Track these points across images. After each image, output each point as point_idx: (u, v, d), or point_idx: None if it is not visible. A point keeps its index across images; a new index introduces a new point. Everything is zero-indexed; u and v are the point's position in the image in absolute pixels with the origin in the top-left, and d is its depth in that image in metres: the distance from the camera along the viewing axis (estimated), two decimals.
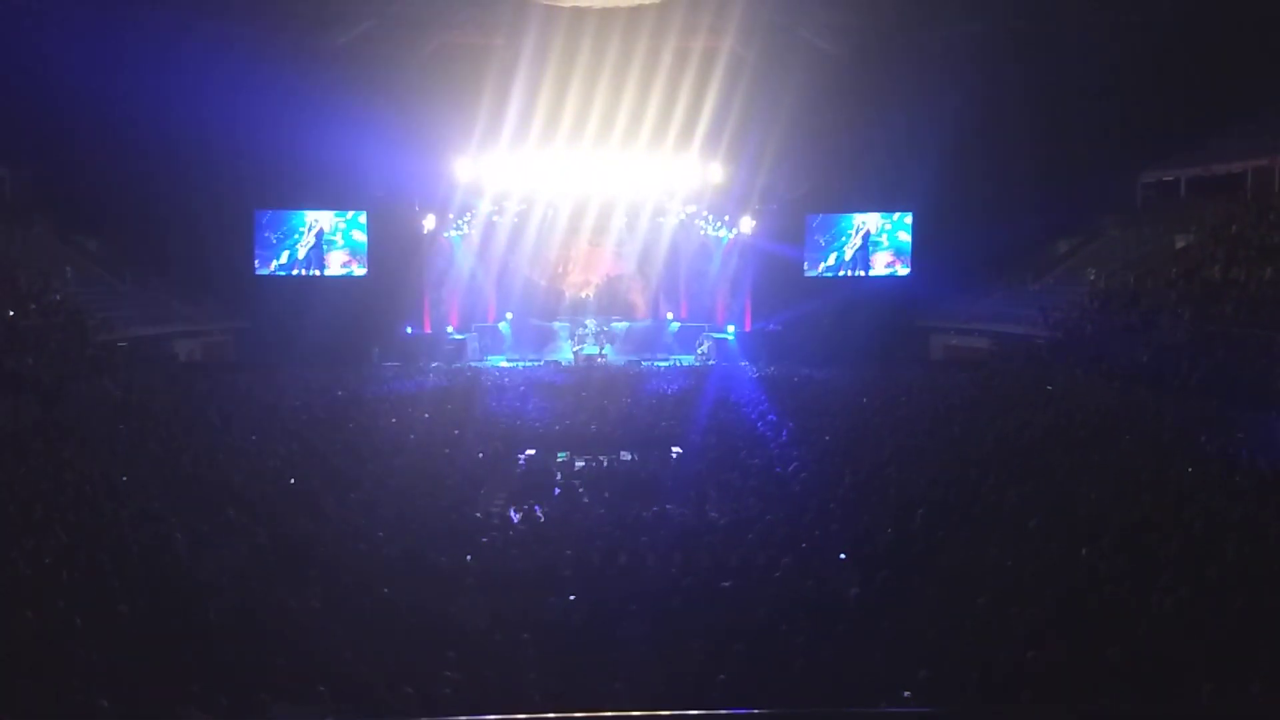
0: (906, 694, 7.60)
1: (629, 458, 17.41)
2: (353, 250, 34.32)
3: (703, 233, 34.44)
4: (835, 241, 35.06)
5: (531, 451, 17.95)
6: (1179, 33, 29.69)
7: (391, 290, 32.50)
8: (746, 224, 33.41)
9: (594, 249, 34.98)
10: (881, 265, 34.90)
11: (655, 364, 31.03)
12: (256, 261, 33.93)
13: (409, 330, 33.09)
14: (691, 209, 33.70)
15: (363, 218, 34.18)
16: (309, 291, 32.61)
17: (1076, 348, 26.13)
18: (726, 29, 31.92)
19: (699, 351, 33.13)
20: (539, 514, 13.41)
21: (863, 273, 34.81)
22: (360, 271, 34.19)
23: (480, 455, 17.14)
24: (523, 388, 24.99)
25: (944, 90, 30.66)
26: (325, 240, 34.25)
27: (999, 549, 10.84)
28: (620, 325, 34.23)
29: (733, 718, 6.57)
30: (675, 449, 17.83)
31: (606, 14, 31.14)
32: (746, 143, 31.42)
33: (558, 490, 15.08)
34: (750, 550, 11.13)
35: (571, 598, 9.81)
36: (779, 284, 33.35)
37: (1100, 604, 9.13)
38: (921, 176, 31.30)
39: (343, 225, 34.33)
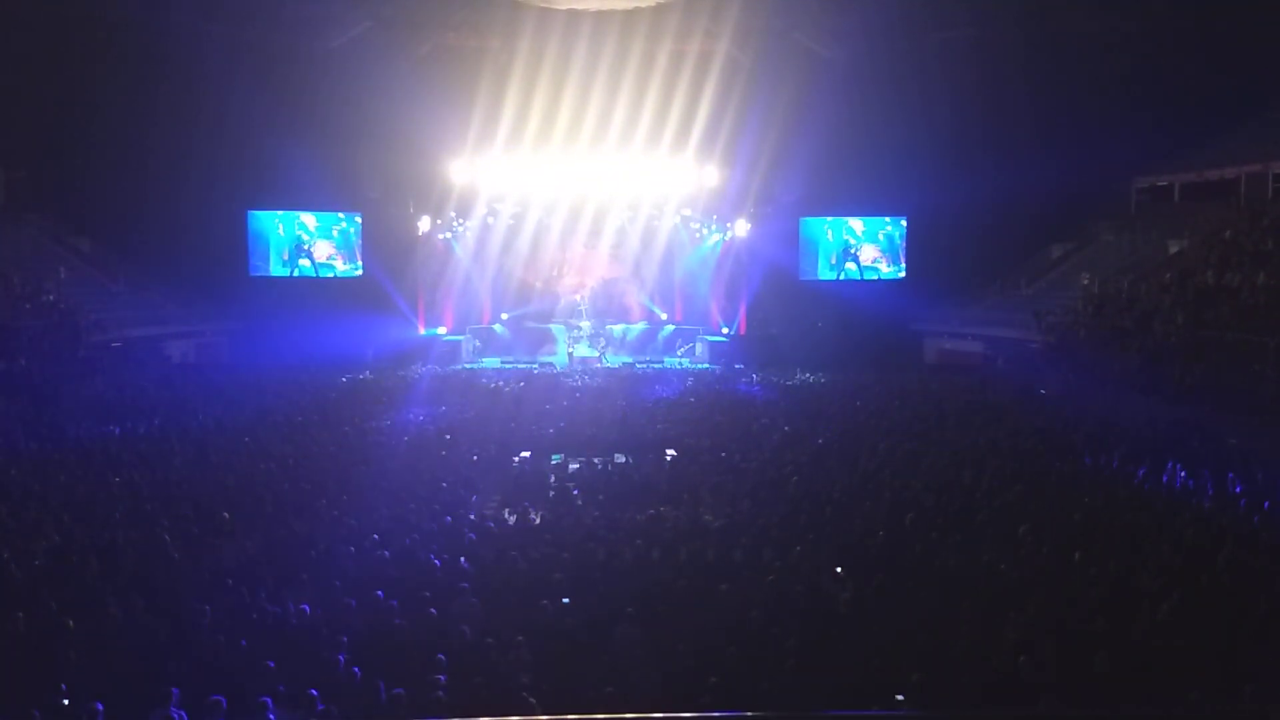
0: (899, 697, 7.60)
1: (624, 460, 17.41)
2: (346, 251, 34.31)
3: (698, 236, 34.46)
4: (830, 245, 35.08)
5: (526, 454, 17.92)
6: (1173, 39, 29.82)
7: (386, 292, 32.49)
8: (741, 227, 33.44)
9: (589, 251, 34.95)
10: (875, 269, 34.92)
11: (650, 366, 31.02)
12: (250, 263, 33.85)
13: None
14: (687, 212, 33.71)
15: (358, 219, 34.18)
16: (303, 293, 32.57)
17: (1070, 352, 26.22)
18: (722, 32, 31.97)
19: (679, 354, 33.22)
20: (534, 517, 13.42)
21: (857, 276, 34.83)
22: (354, 271, 34.18)
23: (475, 458, 17.12)
24: (517, 389, 24.95)
25: (939, 95, 30.74)
26: (318, 240, 34.23)
27: (991, 554, 10.86)
28: (615, 328, 34.22)
29: None
30: (670, 451, 17.83)
31: (601, 17, 31.16)
32: (742, 146, 31.46)
33: (552, 493, 15.06)
34: None
35: (565, 600, 9.79)
36: (773, 287, 33.37)
37: (1092, 608, 9.14)
38: (916, 181, 31.38)
39: (341, 227, 34.33)
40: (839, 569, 10.76)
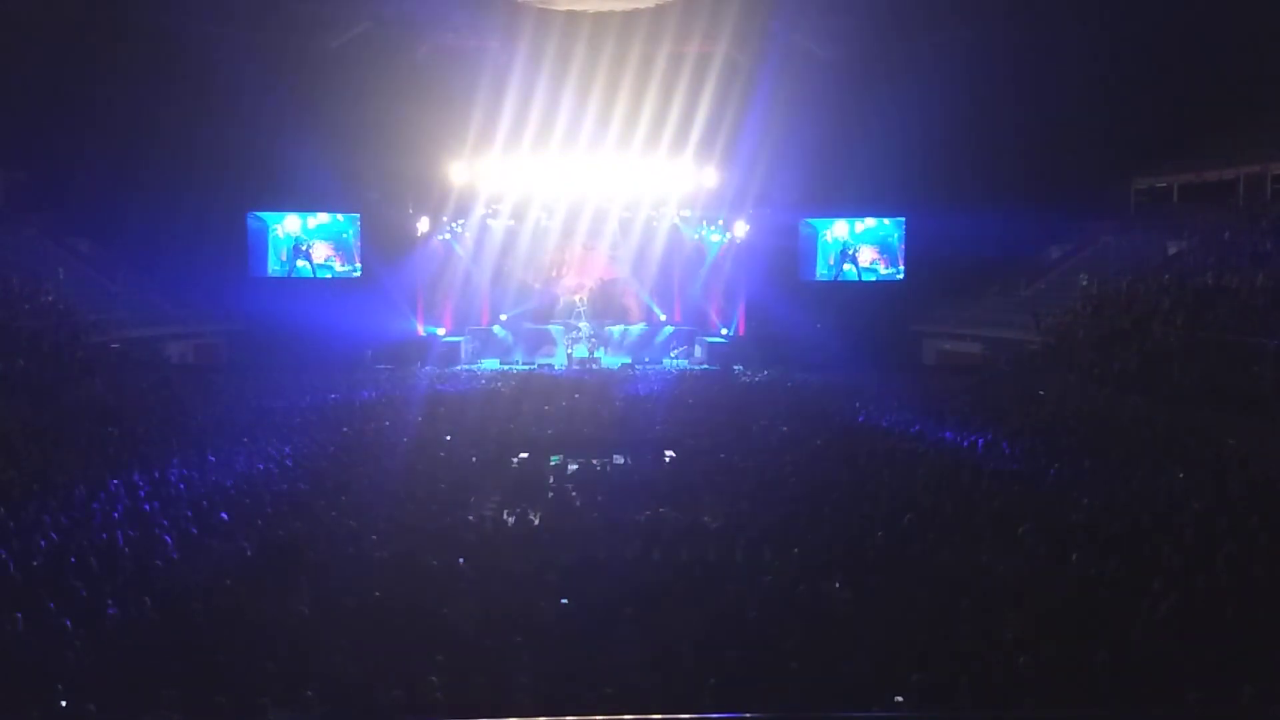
0: (898, 699, 7.59)
1: (622, 460, 17.40)
2: (345, 252, 34.33)
3: (696, 237, 34.46)
4: (828, 246, 35.07)
5: (525, 454, 17.90)
6: (1172, 40, 29.83)
7: (385, 293, 32.49)
8: (740, 228, 33.44)
9: (588, 252, 34.93)
10: (874, 270, 34.91)
11: (649, 367, 31.04)
12: (249, 263, 33.85)
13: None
14: (685, 213, 33.71)
15: (357, 219, 34.20)
16: (302, 294, 32.56)
17: (1069, 353, 26.20)
18: (721, 34, 31.95)
19: (673, 355, 33.20)
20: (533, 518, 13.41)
21: (855, 277, 34.82)
22: (352, 272, 34.19)
23: (474, 459, 17.11)
24: (516, 390, 24.96)
25: (937, 96, 30.73)
26: (317, 241, 34.26)
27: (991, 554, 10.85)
28: (615, 329, 34.22)
29: None
30: (669, 452, 17.82)
31: (600, 18, 31.17)
32: (740, 147, 31.46)
33: (551, 493, 15.04)
34: None
35: (565, 601, 9.78)
36: (772, 288, 33.34)
37: (1091, 609, 9.14)
38: (915, 181, 31.37)
39: (339, 229, 34.34)
40: (836, 585, 10.69)
